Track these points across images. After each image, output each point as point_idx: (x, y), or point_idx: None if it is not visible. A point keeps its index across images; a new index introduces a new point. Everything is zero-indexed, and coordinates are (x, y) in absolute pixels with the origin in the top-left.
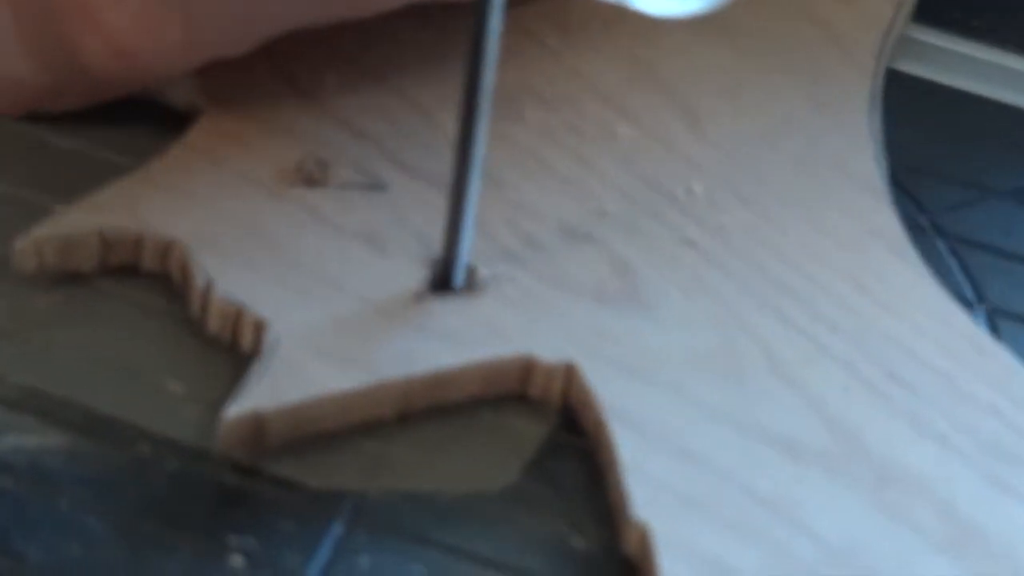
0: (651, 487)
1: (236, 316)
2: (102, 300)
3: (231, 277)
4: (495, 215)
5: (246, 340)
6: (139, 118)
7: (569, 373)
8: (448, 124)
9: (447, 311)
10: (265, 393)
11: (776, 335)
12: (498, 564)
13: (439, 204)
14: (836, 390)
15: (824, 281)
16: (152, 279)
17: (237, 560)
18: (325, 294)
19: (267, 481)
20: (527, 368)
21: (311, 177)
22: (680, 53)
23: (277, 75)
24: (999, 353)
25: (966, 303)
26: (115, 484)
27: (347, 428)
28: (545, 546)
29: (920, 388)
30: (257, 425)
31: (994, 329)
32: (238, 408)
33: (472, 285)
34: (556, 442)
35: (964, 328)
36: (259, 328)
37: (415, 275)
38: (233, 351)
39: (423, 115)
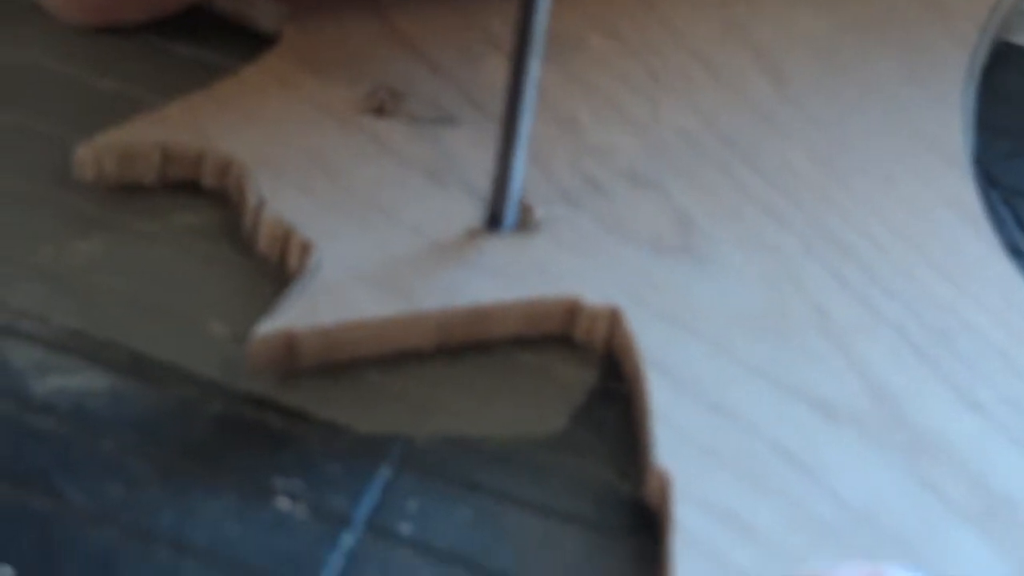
0: (677, 436)
1: (285, 237)
2: (147, 220)
3: (284, 198)
4: (561, 156)
5: (293, 262)
6: (230, 40)
7: (613, 318)
8: None
9: (497, 248)
10: (299, 313)
11: (831, 297)
12: (546, 509)
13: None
14: (883, 355)
15: (888, 246)
16: (210, 198)
17: (283, 503)
18: (377, 223)
19: (314, 424)
20: (572, 310)
21: (382, 107)
22: (777, 17)
23: (364, 5)
24: None
25: (1018, 253)
26: (159, 426)
27: (382, 357)
28: (593, 492)
29: (971, 359)
30: (289, 344)
31: None
32: (270, 325)
33: (527, 225)
34: (606, 388)
35: None
36: (306, 250)
37: (471, 212)
38: (281, 279)
39: (503, 54)
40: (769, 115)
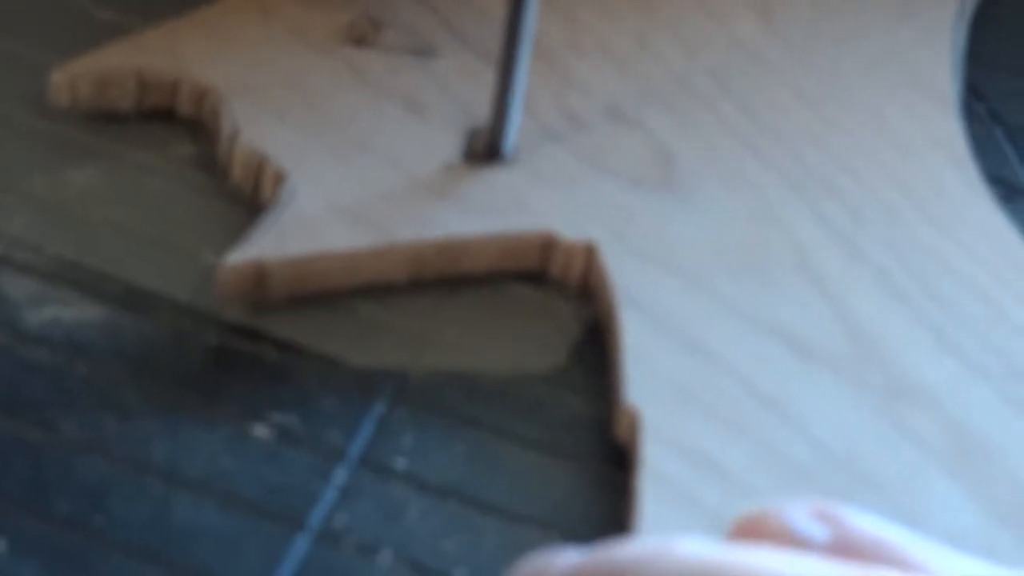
0: (649, 374)
1: (258, 167)
2: (134, 150)
3: (260, 127)
4: (542, 90)
5: (266, 192)
6: None
7: (589, 254)
8: None
9: (474, 181)
10: (269, 243)
11: (811, 234)
12: (541, 445)
13: (487, 75)
14: (863, 296)
15: (873, 185)
16: (186, 126)
17: (277, 436)
18: (353, 154)
19: (309, 358)
20: (547, 245)
21: (362, 37)
22: None
23: None
24: None
25: (1020, 191)
26: (152, 357)
27: (354, 289)
28: (588, 428)
29: (953, 304)
30: (258, 274)
31: None
32: (239, 255)
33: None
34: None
35: (1013, 249)
36: (280, 180)
37: (450, 144)
38: (255, 208)
39: None
40: (757, 52)
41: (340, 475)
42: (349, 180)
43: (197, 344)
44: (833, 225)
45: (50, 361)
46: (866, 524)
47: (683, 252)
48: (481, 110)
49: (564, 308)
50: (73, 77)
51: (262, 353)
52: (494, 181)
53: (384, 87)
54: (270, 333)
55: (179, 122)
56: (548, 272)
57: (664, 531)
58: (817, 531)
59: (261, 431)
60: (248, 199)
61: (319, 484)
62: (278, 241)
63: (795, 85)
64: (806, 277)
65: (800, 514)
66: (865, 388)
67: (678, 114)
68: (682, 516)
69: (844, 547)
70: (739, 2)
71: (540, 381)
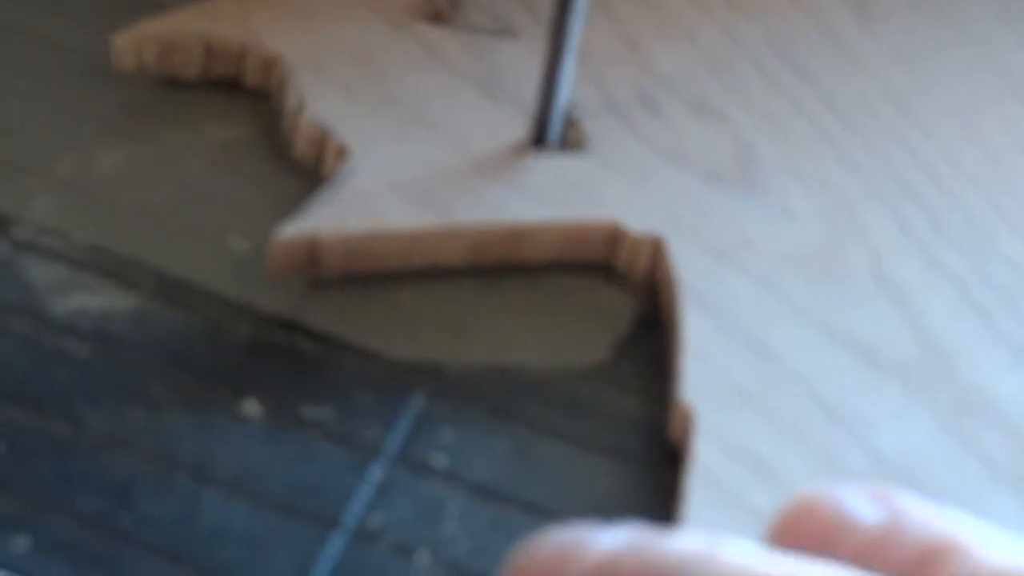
0: (708, 373)
1: (321, 141)
2: (187, 132)
3: (326, 101)
4: (622, 76)
5: (328, 167)
6: None
7: (656, 248)
8: None
9: (541, 167)
10: (325, 217)
11: (889, 240)
12: (586, 443)
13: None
14: (939, 306)
15: (958, 193)
16: (250, 101)
17: (312, 432)
18: (419, 132)
19: (345, 350)
20: (613, 237)
21: (439, 14)
22: None
23: None
24: None
25: None
26: (183, 349)
27: (409, 271)
28: (631, 426)
29: None
30: (311, 249)
31: None
32: (293, 228)
33: (576, 142)
34: (653, 318)
35: None
36: (342, 155)
37: (520, 129)
38: (311, 185)
39: None
40: (849, 48)
41: (376, 472)
42: (413, 159)
43: (230, 335)
44: (912, 232)
45: (76, 352)
46: (919, 507)
47: (754, 251)
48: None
49: (614, 301)
50: (139, 40)
51: (297, 344)
52: (564, 168)
53: (457, 67)
54: (306, 324)
55: (241, 100)
56: (613, 264)
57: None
58: (869, 512)
59: (294, 426)
60: (308, 173)
61: (354, 481)
62: (335, 216)
63: (885, 84)
64: (880, 284)
65: (854, 495)
66: (933, 401)
67: (761, 109)
68: (729, 518)
69: (895, 530)
70: (838, 3)
71: (584, 376)
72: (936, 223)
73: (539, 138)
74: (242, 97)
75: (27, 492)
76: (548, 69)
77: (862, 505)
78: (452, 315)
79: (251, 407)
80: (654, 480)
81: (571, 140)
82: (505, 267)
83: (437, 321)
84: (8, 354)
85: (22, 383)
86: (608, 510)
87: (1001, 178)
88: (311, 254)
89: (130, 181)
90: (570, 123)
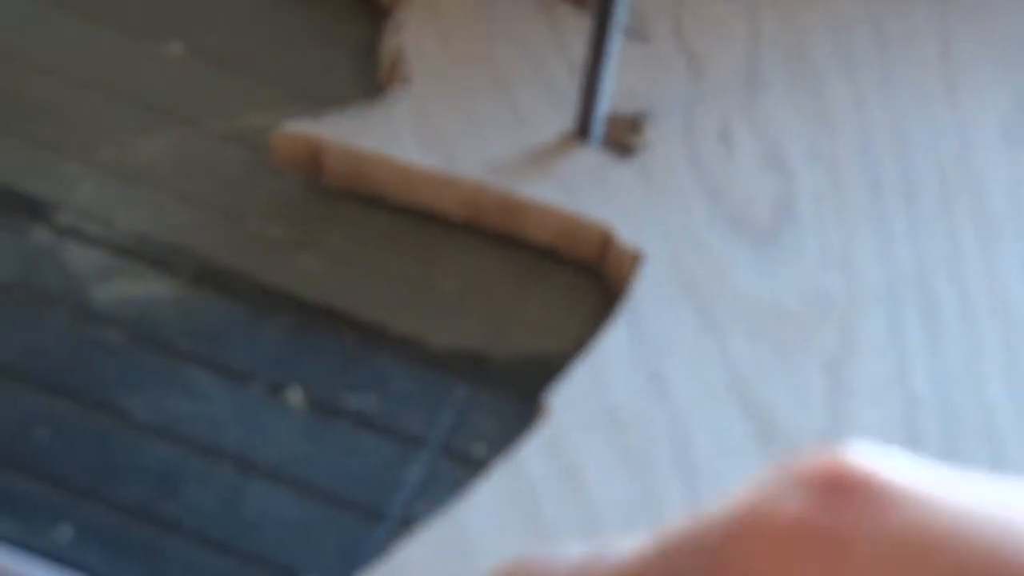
0: (593, 383)
1: (394, 65)
2: (228, 120)
3: (422, 36)
4: (721, 105)
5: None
6: None
7: (635, 262)
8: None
9: (577, 158)
10: (340, 126)
11: (865, 341)
12: None
13: (672, 66)
14: (875, 422)
15: (982, 325)
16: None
17: (355, 421)
18: (489, 93)
19: (388, 339)
20: (604, 242)
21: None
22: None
23: None
24: None
25: None
26: (226, 337)
27: (409, 206)
28: None
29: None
30: (315, 151)
31: None
32: (300, 126)
33: (628, 149)
34: None
35: None
36: (404, 82)
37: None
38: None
39: None
40: (963, 140)
41: (420, 462)
42: (464, 113)
43: (272, 323)
44: (898, 343)
45: (118, 340)
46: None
47: (725, 300)
48: (643, 100)
49: None
50: None
51: (340, 333)
52: (598, 164)
53: (566, 48)
54: (348, 313)
55: None
56: (602, 267)
57: None
58: (576, 553)
59: (337, 415)
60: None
61: (398, 471)
62: (349, 129)
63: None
64: (829, 376)
65: (565, 550)
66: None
67: (836, 179)
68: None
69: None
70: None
71: None
72: (932, 345)
73: (583, 134)
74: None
75: (69, 481)
76: (589, 72)
77: (571, 552)
78: (494, 304)
79: (294, 396)
80: None
81: (625, 142)
82: (501, 237)
83: (479, 310)
84: (50, 342)
85: (64, 372)
86: None
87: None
88: (314, 157)
89: (172, 168)
90: (633, 126)
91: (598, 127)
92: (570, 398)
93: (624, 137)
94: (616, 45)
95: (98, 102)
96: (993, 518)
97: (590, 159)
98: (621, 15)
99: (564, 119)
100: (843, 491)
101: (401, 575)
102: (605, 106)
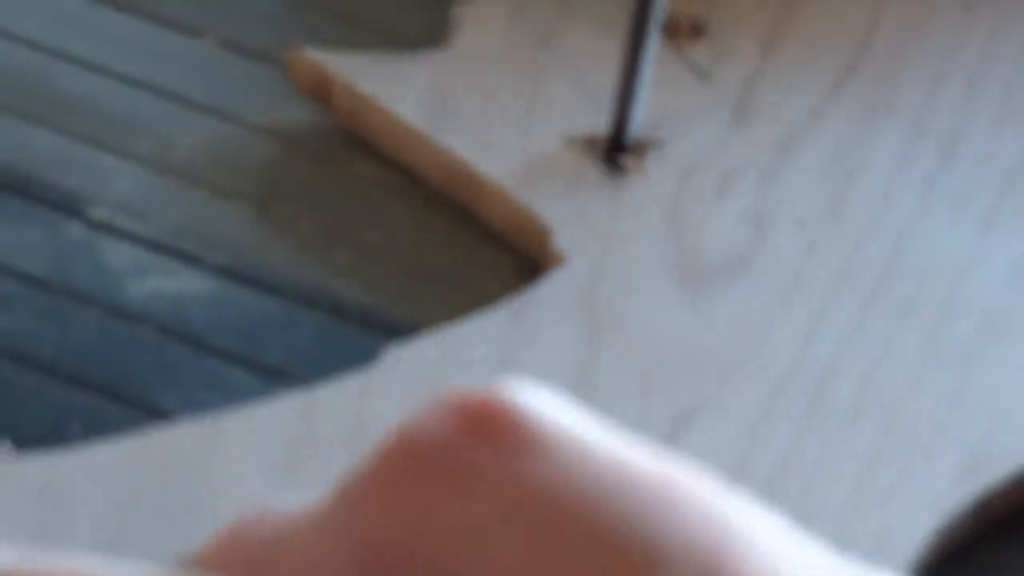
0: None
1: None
2: (266, 115)
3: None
4: (746, 169)
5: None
6: None
7: (553, 266)
8: None
9: (563, 159)
10: (351, 65)
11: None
12: None
13: (725, 119)
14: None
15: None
16: None
17: None
18: (515, 84)
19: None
20: (540, 243)
21: (675, 30)
22: None
23: None
24: None
25: None
26: (262, 334)
27: (395, 162)
28: None
29: None
30: (323, 81)
31: None
32: (311, 54)
33: (622, 170)
34: None
35: None
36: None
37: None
38: None
39: None
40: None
41: None
42: (482, 89)
43: (307, 320)
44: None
45: (152, 335)
46: None
47: (617, 333)
48: (668, 128)
49: None
50: None
51: (374, 330)
52: (576, 169)
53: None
54: (383, 310)
55: None
56: (539, 267)
57: None
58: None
59: None
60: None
61: None
62: (358, 69)
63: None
64: (670, 425)
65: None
66: None
67: (810, 243)
68: None
69: None
70: None
71: None
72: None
73: (617, 140)
74: None
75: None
76: (624, 77)
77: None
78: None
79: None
80: None
81: (621, 162)
82: (461, 209)
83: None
84: (83, 338)
85: (97, 366)
86: None
87: None
88: (323, 86)
89: (208, 162)
90: (636, 148)
91: (630, 135)
92: (406, 357)
93: (620, 157)
94: (653, 49)
95: (133, 96)
96: (630, 496)
97: (575, 165)
98: (660, 14)
99: (583, 127)
100: (485, 428)
101: None
102: (640, 115)
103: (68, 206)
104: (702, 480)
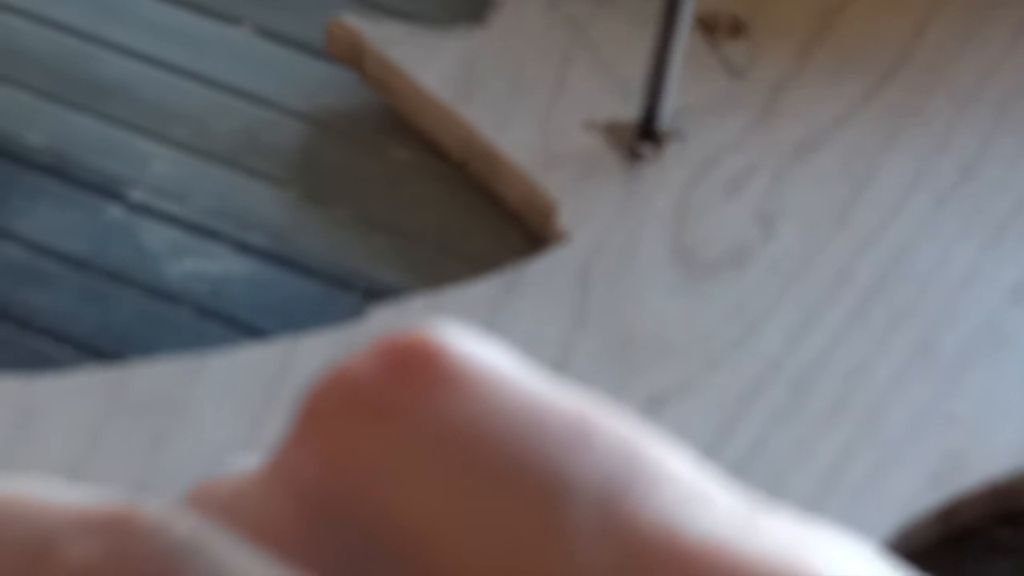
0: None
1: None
2: (307, 101)
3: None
4: (761, 169)
5: None
6: None
7: (558, 240)
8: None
9: (580, 145)
10: (387, 37)
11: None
12: None
13: (751, 117)
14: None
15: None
16: None
17: None
18: (543, 67)
19: None
20: (544, 220)
21: (711, 26)
22: None
23: None
24: None
25: None
26: (301, 317)
27: (415, 133)
28: None
29: None
30: (356, 47)
31: None
32: (347, 21)
33: (638, 157)
34: None
35: None
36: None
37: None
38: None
39: None
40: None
41: None
42: (510, 67)
43: (345, 303)
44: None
45: (189, 316)
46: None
47: (607, 314)
48: (692, 120)
49: None
50: None
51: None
52: (593, 154)
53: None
54: (418, 291)
55: None
56: (544, 243)
57: None
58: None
59: None
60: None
61: None
62: (391, 39)
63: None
64: (647, 405)
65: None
66: None
67: (813, 243)
68: None
69: None
70: None
71: None
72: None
73: (645, 134)
74: None
75: None
76: (655, 67)
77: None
78: None
79: None
80: None
81: (637, 150)
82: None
83: None
84: (123, 319)
85: (136, 347)
86: None
87: None
88: (356, 53)
89: (244, 146)
90: (656, 138)
91: (656, 125)
92: (392, 316)
93: (639, 144)
94: (683, 42)
95: (172, 81)
96: (544, 430)
97: (594, 149)
98: (690, 7)
99: (606, 114)
100: (407, 366)
101: None
102: (668, 106)
103: (107, 189)
104: (618, 417)
